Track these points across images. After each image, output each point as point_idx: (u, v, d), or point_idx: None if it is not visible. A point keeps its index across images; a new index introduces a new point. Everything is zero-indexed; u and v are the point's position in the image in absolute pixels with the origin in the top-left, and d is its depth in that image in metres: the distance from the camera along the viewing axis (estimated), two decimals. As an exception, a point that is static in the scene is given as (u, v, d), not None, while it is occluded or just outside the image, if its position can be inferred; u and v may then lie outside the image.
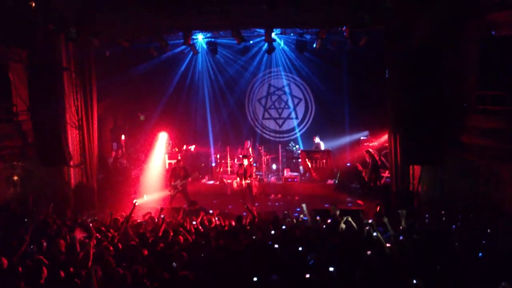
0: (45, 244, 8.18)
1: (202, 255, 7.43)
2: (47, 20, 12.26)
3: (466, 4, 10.71)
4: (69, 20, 12.41)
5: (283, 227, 9.21)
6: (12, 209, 11.49)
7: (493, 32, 10.21)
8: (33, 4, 11.59)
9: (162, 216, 9.91)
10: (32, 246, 7.94)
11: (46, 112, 12.40)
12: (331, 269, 6.21)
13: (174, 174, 14.31)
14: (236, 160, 17.20)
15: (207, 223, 10.07)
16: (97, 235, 8.73)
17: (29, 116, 12.88)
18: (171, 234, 8.54)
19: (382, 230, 8.47)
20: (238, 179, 14.65)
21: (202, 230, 9.34)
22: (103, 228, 9.47)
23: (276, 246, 7.28)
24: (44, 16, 12.10)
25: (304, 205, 10.60)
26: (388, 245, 7.46)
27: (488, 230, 8.44)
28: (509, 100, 9.96)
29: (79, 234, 8.33)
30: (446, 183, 11.49)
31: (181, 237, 8.38)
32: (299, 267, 6.60)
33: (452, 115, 11.11)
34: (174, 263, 6.57)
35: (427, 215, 10.37)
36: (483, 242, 7.70)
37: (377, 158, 14.04)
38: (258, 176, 16.32)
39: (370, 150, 14.34)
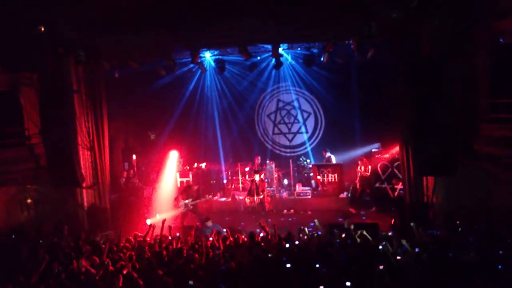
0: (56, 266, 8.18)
1: (218, 271, 7.40)
2: (56, 44, 12.40)
3: (472, 12, 10.68)
4: (78, 43, 12.55)
5: (296, 242, 9.12)
6: (26, 232, 11.55)
7: (501, 40, 10.14)
8: (42, 28, 11.72)
9: (177, 234, 9.89)
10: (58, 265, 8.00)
11: (57, 134, 12.47)
12: (348, 284, 6.14)
13: (187, 192, 14.30)
14: (247, 176, 17.16)
15: (221, 240, 10.02)
16: (110, 255, 8.75)
17: (41, 139, 12.98)
18: (185, 252, 8.50)
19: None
20: (250, 195, 14.55)
21: (216, 246, 9.30)
22: (115, 248, 9.48)
23: (288, 265, 7.18)
24: (53, 40, 12.24)
25: (316, 220, 10.55)
26: (398, 257, 7.38)
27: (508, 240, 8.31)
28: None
29: (85, 263, 8.30)
30: (460, 193, 11.32)
31: (196, 255, 8.34)
32: (314, 282, 6.54)
33: (464, 124, 11.02)
34: (190, 282, 6.51)
35: (442, 226, 10.23)
36: (500, 252, 7.57)
37: (365, 168, 14.02)
38: (270, 192, 16.26)
39: (361, 159, 14.41)
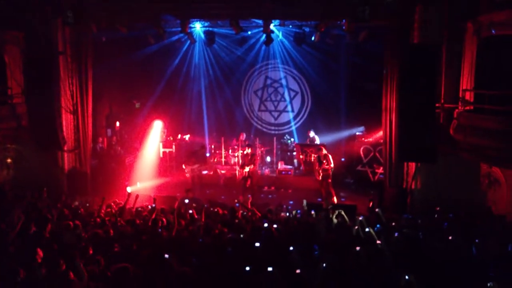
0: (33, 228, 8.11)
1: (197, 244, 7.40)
2: (44, 3, 12.15)
3: (465, 4, 10.72)
4: (66, 4, 12.30)
5: (274, 226, 9.09)
6: (5, 192, 11.45)
7: (493, 31, 10.14)
8: (31, -14, 11.48)
9: (153, 205, 9.87)
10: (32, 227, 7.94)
11: (40, 95, 12.34)
12: (323, 264, 6.19)
13: (195, 157, 14.51)
14: (230, 150, 17.17)
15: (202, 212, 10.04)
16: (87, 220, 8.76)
17: (24, 99, 12.79)
18: (164, 222, 8.51)
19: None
20: (246, 168, 14.48)
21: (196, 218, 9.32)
22: (95, 214, 9.48)
23: (257, 244, 7.11)
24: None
25: (304, 201, 10.63)
26: (378, 242, 7.47)
27: (480, 229, 8.46)
28: (507, 100, 9.94)
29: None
30: (440, 181, 11.49)
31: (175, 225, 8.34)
32: (290, 263, 6.56)
33: (448, 113, 11.12)
34: (166, 255, 6.41)
35: (419, 213, 10.38)
36: (476, 240, 7.70)
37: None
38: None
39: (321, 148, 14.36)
